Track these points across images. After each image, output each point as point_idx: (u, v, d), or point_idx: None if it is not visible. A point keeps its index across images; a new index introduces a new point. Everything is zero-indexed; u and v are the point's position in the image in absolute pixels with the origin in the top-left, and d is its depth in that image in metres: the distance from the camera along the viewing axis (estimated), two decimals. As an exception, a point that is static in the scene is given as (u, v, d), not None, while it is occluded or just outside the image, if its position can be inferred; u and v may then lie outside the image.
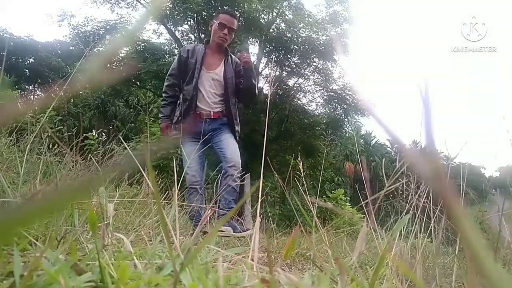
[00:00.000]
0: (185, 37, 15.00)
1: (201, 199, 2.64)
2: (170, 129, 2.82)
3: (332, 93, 13.55)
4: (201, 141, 2.59)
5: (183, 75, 2.80)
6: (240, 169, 2.67)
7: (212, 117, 2.75)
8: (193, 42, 15.00)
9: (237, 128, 2.81)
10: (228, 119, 2.79)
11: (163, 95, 2.92)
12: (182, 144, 2.68)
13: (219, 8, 13.48)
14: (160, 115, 2.92)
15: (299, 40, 11.95)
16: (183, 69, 2.81)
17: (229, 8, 13.33)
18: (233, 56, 2.92)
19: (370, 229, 0.92)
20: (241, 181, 2.54)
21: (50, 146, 2.64)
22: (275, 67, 12.99)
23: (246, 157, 3.70)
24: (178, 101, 2.84)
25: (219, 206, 2.49)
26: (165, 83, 2.90)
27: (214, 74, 2.78)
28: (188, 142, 2.72)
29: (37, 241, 0.76)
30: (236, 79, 2.84)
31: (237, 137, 2.83)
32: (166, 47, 14.68)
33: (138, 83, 14.31)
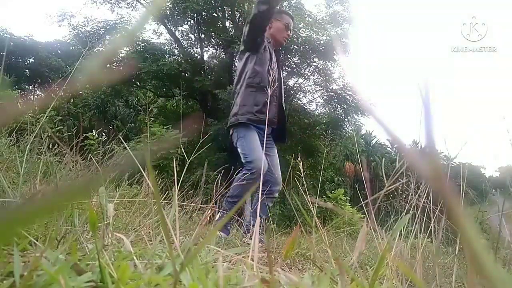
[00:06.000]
0: (185, 37, 15.02)
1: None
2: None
3: (332, 93, 13.56)
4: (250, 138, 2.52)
5: (258, 53, 2.59)
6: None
7: (274, 119, 2.66)
8: (193, 42, 15.03)
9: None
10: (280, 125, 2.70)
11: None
12: (246, 132, 2.55)
13: (219, 8, 13.54)
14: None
15: (299, 40, 11.94)
16: (259, 47, 2.58)
17: (224, 8, 13.38)
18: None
19: (370, 229, 0.92)
20: (240, 181, 2.50)
21: (50, 146, 2.64)
22: (275, 67, 12.98)
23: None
24: (249, 89, 2.58)
25: (219, 206, 2.46)
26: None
27: (275, 72, 2.63)
28: (253, 132, 2.56)
29: (37, 241, 0.76)
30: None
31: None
32: (166, 47, 14.71)
33: (138, 83, 14.32)
